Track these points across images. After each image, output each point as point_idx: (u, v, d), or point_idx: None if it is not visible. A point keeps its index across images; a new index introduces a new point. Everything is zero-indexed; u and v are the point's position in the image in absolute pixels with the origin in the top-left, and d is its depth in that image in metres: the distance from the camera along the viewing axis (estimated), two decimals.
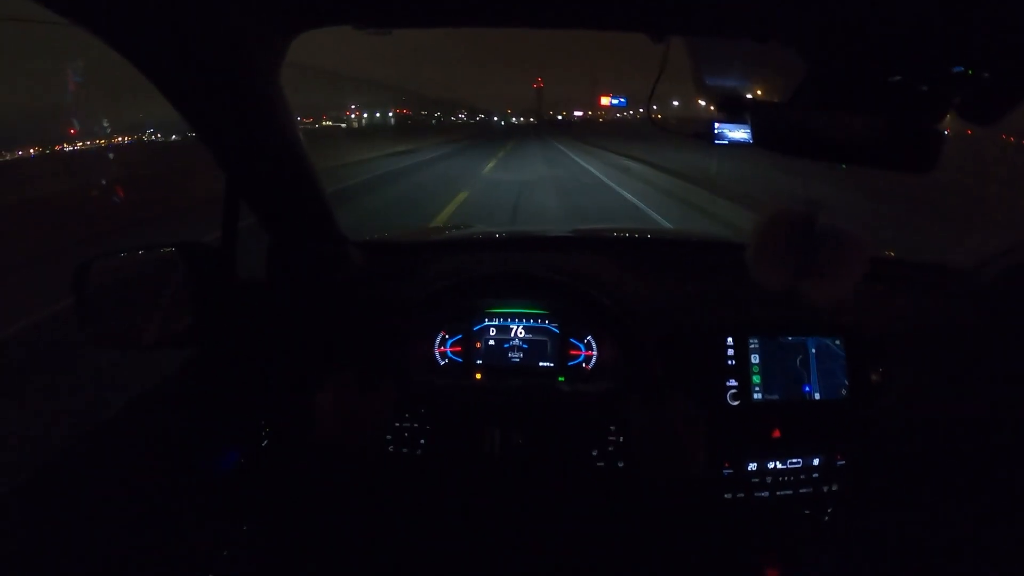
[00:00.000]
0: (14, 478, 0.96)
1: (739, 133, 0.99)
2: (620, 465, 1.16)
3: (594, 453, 1.17)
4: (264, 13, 0.83)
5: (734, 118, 0.96)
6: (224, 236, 1.16)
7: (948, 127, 0.70)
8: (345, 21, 0.85)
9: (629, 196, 11.32)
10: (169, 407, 1.22)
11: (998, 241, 1.34)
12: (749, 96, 0.81)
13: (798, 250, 0.84)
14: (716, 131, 1.01)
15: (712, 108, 0.96)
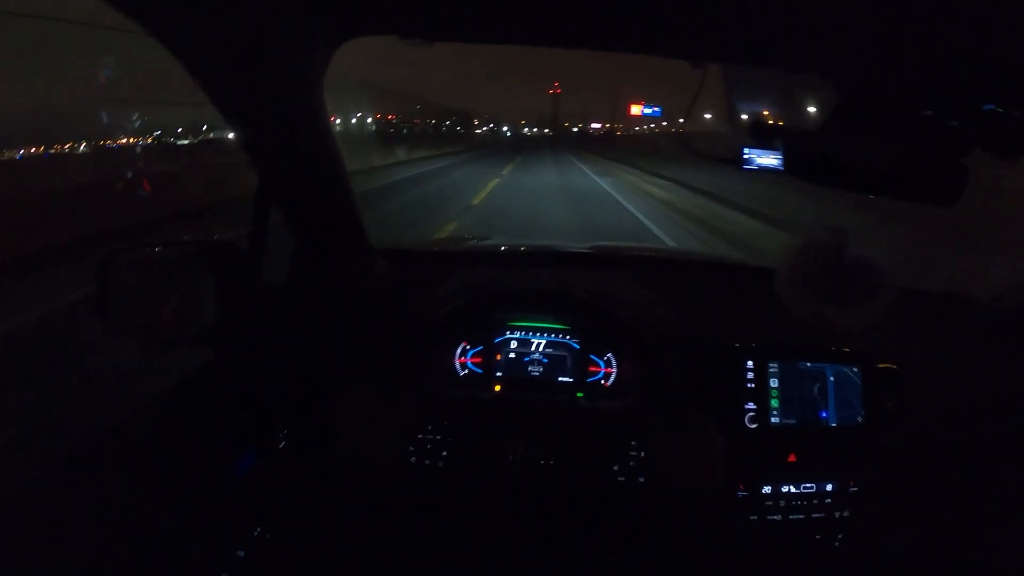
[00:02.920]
0: (30, 471, 0.97)
1: (768, 159, 0.99)
2: (641, 480, 1.17)
3: (615, 468, 1.18)
4: (312, 21, 0.85)
5: (764, 144, 0.97)
6: (252, 238, 1.18)
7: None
8: (391, 31, 0.86)
9: None
10: (186, 407, 1.23)
11: (1016, 270, 1.33)
12: (781, 123, 0.82)
13: (826, 278, 0.85)
14: (745, 156, 1.02)
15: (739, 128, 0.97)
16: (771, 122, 0.83)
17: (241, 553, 1.18)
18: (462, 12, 0.81)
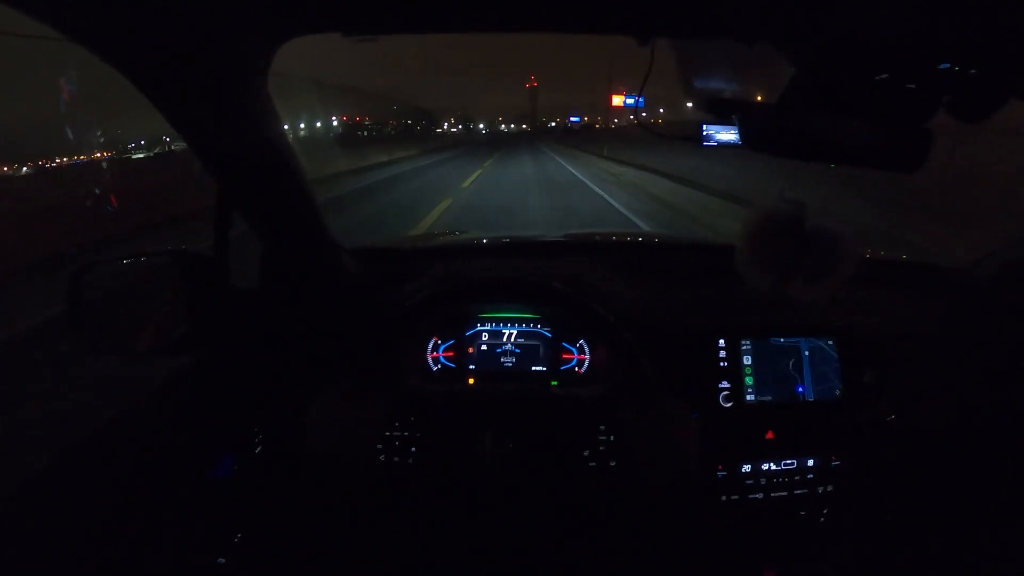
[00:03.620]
0: (8, 483, 0.96)
1: (727, 135, 0.99)
2: (612, 464, 1.16)
3: (586, 454, 1.17)
4: (251, 20, 0.83)
5: (722, 120, 0.97)
6: (216, 244, 1.16)
7: (938, 125, 0.70)
8: (333, 28, 0.85)
9: None
10: (163, 414, 1.22)
11: (991, 240, 1.35)
12: (736, 98, 0.82)
13: (786, 249, 0.85)
14: (704, 133, 1.02)
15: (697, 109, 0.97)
16: (727, 97, 0.82)
17: (222, 560, 1.17)
18: (398, 3, 0.81)
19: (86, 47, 0.78)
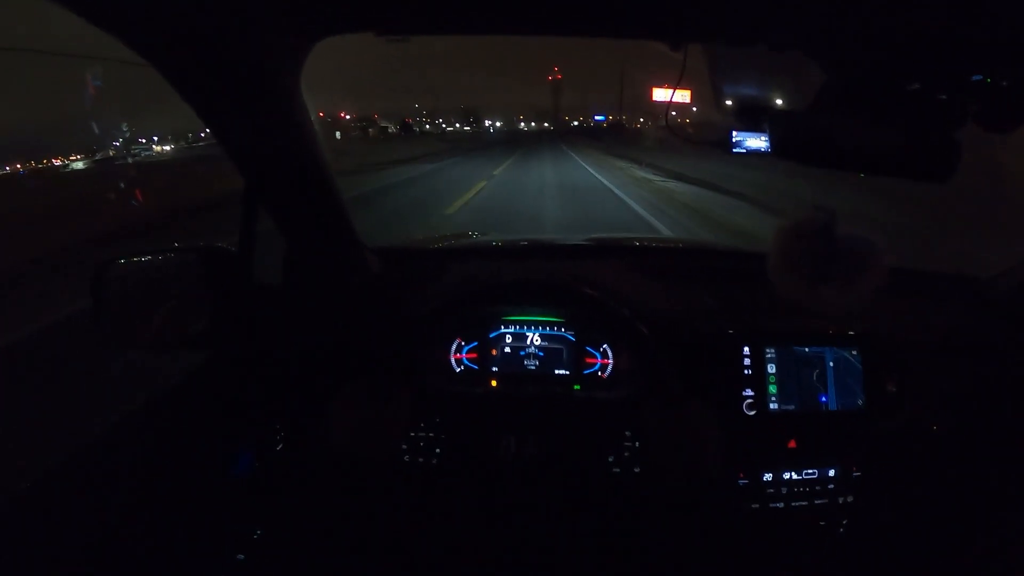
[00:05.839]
0: (29, 474, 0.97)
1: (757, 141, 0.99)
2: (636, 471, 1.16)
3: (610, 459, 1.17)
4: (286, 19, 0.84)
5: (752, 126, 0.96)
6: (242, 240, 1.17)
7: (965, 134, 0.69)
8: (367, 28, 0.85)
9: None
10: (184, 410, 1.23)
11: (1016, 250, 1.32)
12: (767, 104, 0.81)
13: (817, 258, 0.84)
14: (734, 140, 1.01)
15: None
16: (758, 104, 0.82)
17: (241, 557, 1.18)
18: (434, 4, 0.81)
19: (121, 40, 0.79)
